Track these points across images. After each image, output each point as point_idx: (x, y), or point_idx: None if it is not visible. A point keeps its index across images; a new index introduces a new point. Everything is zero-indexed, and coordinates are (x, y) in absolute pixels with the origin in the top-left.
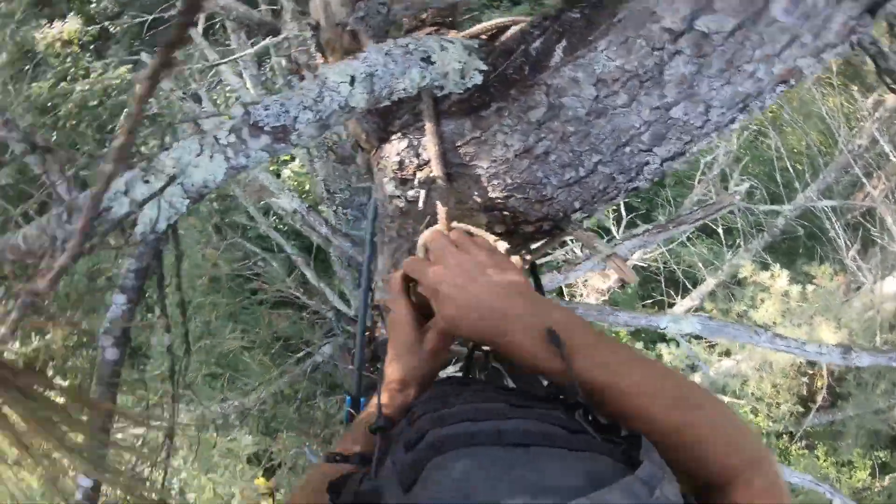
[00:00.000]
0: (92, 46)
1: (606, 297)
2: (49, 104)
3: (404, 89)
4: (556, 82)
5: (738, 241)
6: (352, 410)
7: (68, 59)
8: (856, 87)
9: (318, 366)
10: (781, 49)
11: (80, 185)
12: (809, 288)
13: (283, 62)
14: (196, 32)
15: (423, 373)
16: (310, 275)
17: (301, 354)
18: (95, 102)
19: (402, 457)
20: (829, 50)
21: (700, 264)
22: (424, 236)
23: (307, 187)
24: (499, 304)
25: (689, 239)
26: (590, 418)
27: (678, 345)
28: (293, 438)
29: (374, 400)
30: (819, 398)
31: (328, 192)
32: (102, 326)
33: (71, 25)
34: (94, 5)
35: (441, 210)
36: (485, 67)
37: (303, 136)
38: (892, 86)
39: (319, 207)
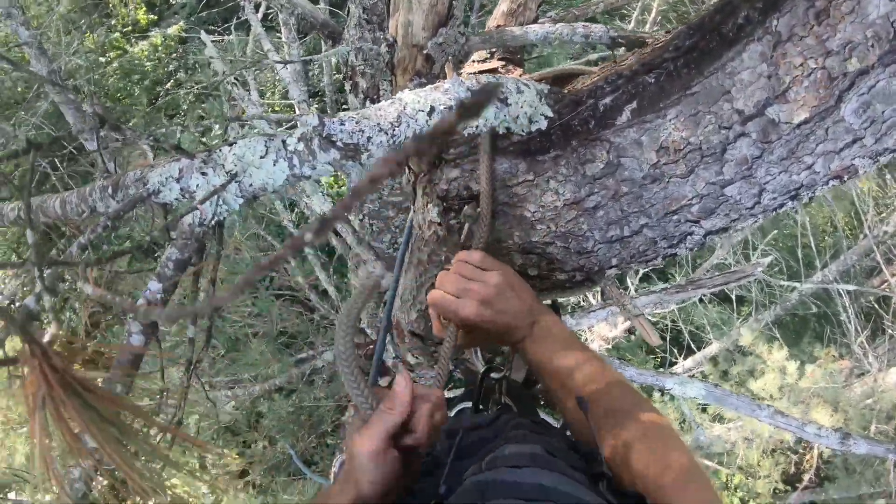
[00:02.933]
0: (152, 16)
1: (610, 346)
2: (103, 59)
3: (477, 126)
4: (618, 141)
5: (749, 311)
6: None
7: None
8: (889, 173)
9: (317, 370)
10: (843, 147)
11: (124, 161)
12: (810, 368)
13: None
14: (255, 18)
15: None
16: (324, 277)
17: (303, 356)
18: (150, 65)
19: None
20: (888, 154)
21: (708, 327)
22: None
23: (342, 189)
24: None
25: (701, 301)
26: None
27: (673, 399)
28: (281, 437)
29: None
30: (806, 478)
31: None
32: (137, 310)
33: None
34: None
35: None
36: (551, 114)
37: (373, 157)
38: None
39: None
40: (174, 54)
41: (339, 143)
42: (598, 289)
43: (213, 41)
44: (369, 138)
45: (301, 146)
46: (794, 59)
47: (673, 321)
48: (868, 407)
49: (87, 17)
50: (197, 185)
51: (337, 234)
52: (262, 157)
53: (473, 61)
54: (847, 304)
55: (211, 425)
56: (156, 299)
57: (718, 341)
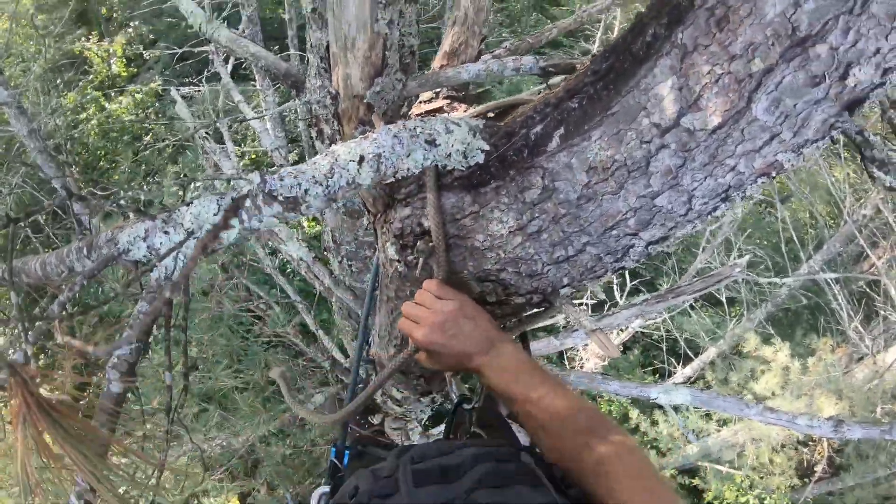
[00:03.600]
0: (131, 69)
1: (606, 363)
2: (81, 114)
3: (408, 169)
4: (551, 166)
5: (741, 311)
6: (335, 461)
7: (110, 67)
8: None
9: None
10: (762, 145)
11: (102, 218)
12: (810, 361)
13: (302, 112)
14: (224, 71)
15: None
16: (310, 321)
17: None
18: (128, 119)
19: None
20: (810, 145)
21: (703, 333)
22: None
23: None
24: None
25: (692, 308)
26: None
27: (665, 413)
28: (279, 481)
29: None
30: (819, 469)
31: (335, 242)
32: (111, 361)
33: (119, 39)
34: (131, 30)
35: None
36: (487, 148)
37: (311, 208)
38: (876, 174)
39: (326, 256)
40: (151, 109)
41: (279, 198)
42: (556, 309)
43: (186, 94)
44: (306, 191)
45: (248, 203)
46: (702, 68)
47: (668, 331)
48: (871, 390)
49: (63, 75)
50: (161, 243)
51: (315, 276)
52: (215, 214)
53: (421, 102)
54: (837, 292)
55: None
56: (130, 348)
57: (714, 346)
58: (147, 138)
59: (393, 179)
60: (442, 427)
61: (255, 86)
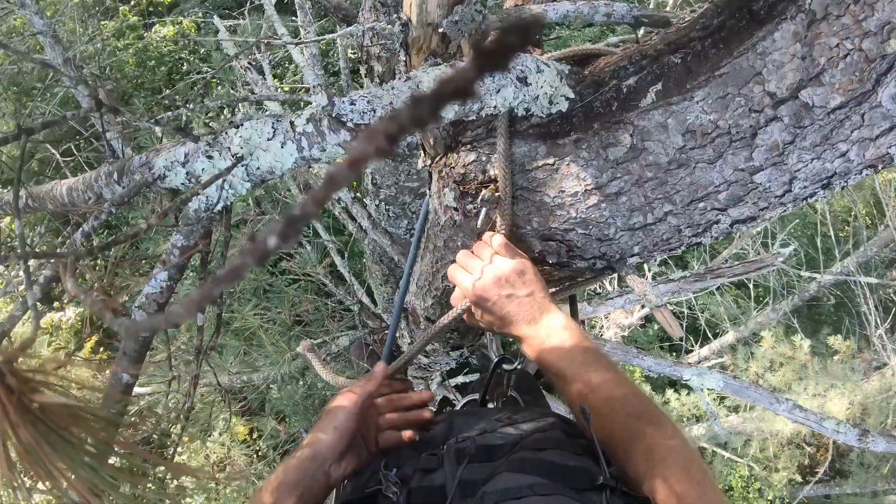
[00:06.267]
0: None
1: (626, 333)
2: (117, 47)
3: (495, 106)
4: (643, 124)
5: (766, 300)
6: None
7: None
8: None
9: (334, 356)
10: (879, 135)
11: (136, 145)
12: (828, 361)
13: (350, 49)
14: (268, 1)
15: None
16: (340, 262)
17: (318, 341)
18: (166, 50)
19: None
20: None
21: (725, 316)
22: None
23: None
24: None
25: (718, 288)
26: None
27: (689, 393)
28: (295, 418)
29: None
30: (820, 471)
31: (374, 185)
32: (138, 300)
33: None
34: None
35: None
36: (572, 96)
37: None
38: None
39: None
40: (189, 39)
41: (349, 124)
42: (617, 276)
43: (226, 26)
44: (381, 119)
45: (310, 127)
46: (829, 40)
47: (690, 308)
48: (885, 400)
49: (102, 4)
50: (203, 170)
51: (352, 218)
52: (269, 140)
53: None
54: (867, 296)
55: (221, 409)
56: (161, 288)
57: (735, 331)
58: (184, 69)
59: (474, 117)
60: (459, 379)
61: (295, 21)
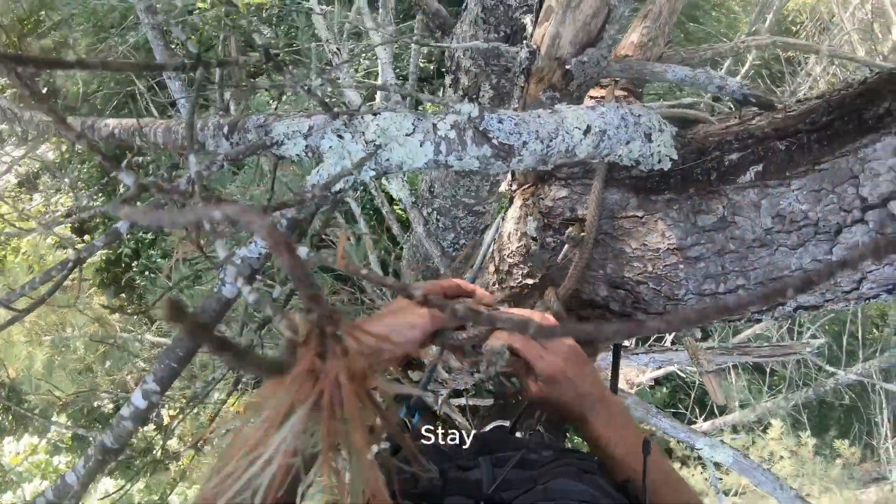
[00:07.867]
0: None
1: (633, 391)
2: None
3: (619, 156)
4: (737, 199)
5: (781, 387)
6: (406, 419)
7: None
8: None
9: None
10: None
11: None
12: (828, 464)
13: (426, 54)
14: None
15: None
16: (372, 259)
17: None
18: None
19: None
20: None
21: (735, 394)
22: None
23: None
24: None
25: (735, 366)
26: None
27: (704, 468)
28: None
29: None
30: None
31: (431, 193)
32: (231, 263)
33: None
34: None
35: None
36: (675, 157)
37: (523, 162)
38: None
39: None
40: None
41: (494, 141)
42: (679, 338)
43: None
44: (525, 143)
45: (453, 134)
46: None
47: (701, 381)
48: None
49: None
50: (330, 147)
51: (394, 219)
52: (407, 135)
53: (598, 85)
54: (883, 404)
55: None
56: (259, 252)
57: (742, 414)
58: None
59: (598, 161)
60: (462, 401)
61: (374, 16)
